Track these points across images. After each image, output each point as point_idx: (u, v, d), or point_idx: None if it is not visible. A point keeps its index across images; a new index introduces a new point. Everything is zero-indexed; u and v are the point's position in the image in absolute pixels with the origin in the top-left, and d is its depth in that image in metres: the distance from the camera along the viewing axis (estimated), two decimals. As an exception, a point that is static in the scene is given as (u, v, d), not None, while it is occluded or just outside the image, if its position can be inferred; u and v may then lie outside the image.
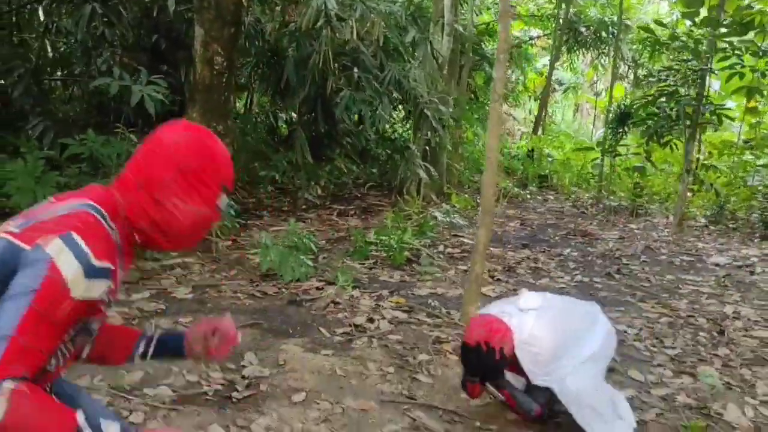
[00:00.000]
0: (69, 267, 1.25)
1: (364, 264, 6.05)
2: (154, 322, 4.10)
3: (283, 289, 5.12)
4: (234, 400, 3.23)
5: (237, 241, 6.37)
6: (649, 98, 8.60)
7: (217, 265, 5.57)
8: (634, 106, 9.20)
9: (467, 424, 3.21)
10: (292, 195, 8.67)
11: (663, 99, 8.46)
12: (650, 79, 8.72)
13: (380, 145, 10.13)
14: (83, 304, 1.30)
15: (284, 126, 9.83)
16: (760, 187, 9.51)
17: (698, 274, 6.51)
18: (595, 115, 20.05)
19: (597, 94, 21.12)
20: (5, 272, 1.26)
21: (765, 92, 8.68)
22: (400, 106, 9.63)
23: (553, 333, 3.02)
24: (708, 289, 5.91)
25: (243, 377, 3.48)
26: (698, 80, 8.12)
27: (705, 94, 8.28)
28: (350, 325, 4.43)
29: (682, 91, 8.35)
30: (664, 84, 8.45)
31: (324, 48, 6.96)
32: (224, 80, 6.25)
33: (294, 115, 9.04)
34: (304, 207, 8.29)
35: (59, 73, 8.02)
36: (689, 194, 9.49)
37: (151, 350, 1.56)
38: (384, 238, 6.47)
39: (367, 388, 3.49)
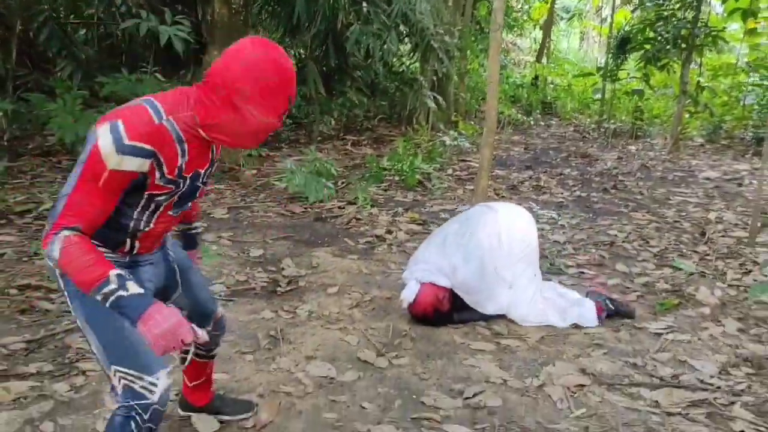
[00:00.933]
0: (105, 144, 1.57)
1: (379, 187, 6.59)
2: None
3: (309, 209, 5.69)
4: (278, 293, 3.84)
5: (261, 170, 6.92)
6: (647, 23, 8.89)
7: (246, 191, 6.13)
8: (633, 31, 9.49)
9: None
10: (307, 128, 9.15)
11: (660, 23, 8.76)
12: (647, 3, 8.97)
13: (389, 78, 10.51)
14: (122, 175, 1.60)
15: (294, 63, 10.19)
16: (755, 106, 9.88)
17: (689, 187, 7.02)
18: (600, 42, 20.12)
19: (602, 21, 21.12)
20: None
21: (759, 14, 8.94)
22: (406, 39, 9.97)
23: (466, 263, 3.42)
24: (695, 199, 6.44)
25: (284, 276, 4.09)
26: (694, 3, 8.40)
27: (702, 16, 8.57)
28: (371, 236, 5.01)
29: (679, 14, 8.64)
30: (661, 8, 8.73)
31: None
32: (242, 18, 6.64)
33: (302, 52, 9.39)
34: (319, 138, 8.78)
35: (77, 17, 8.35)
36: (687, 115, 9.87)
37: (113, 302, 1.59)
38: (396, 163, 7.00)
39: (390, 282, 4.08)
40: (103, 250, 1.73)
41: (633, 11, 10.05)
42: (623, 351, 3.23)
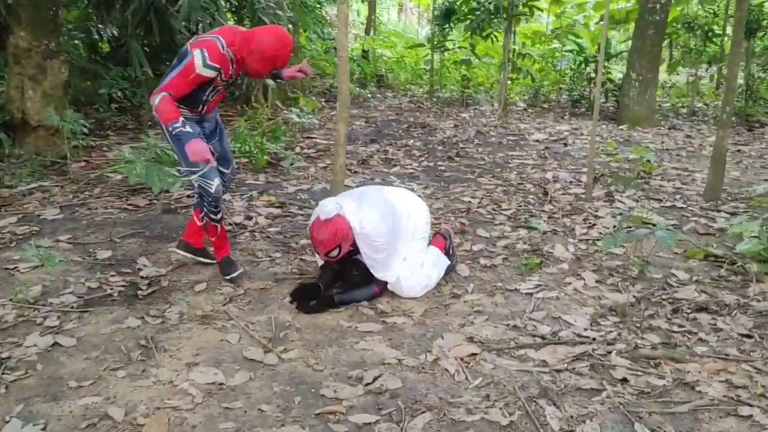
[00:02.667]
0: (197, 60, 3.09)
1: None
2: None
3: (155, 201, 5.25)
4: (140, 297, 3.49)
5: (90, 162, 6.28)
6: (470, -8, 9.28)
7: (77, 186, 5.52)
8: (457, 3, 9.84)
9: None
10: (134, 112, 8.46)
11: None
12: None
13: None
14: (200, 78, 3.14)
15: (106, 43, 9.32)
16: (567, 71, 10.73)
17: (522, 150, 7.48)
18: (419, 14, 20.73)
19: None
20: (182, 55, 3.19)
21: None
22: (229, 14, 9.52)
23: (381, 221, 3.43)
24: (531, 161, 6.87)
25: (142, 278, 3.72)
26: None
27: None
28: (230, 225, 4.73)
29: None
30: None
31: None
32: (49, -7, 5.92)
33: (115, 32, 8.62)
34: (150, 123, 8.15)
35: None
36: (509, 82, 10.48)
37: (175, 132, 3.25)
38: (241, 144, 6.68)
39: (261, 272, 3.88)
40: (186, 109, 3.30)
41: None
42: (502, 315, 3.35)
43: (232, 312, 3.33)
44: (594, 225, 4.76)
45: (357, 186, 5.76)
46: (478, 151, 7.38)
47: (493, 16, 8.99)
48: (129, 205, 5.13)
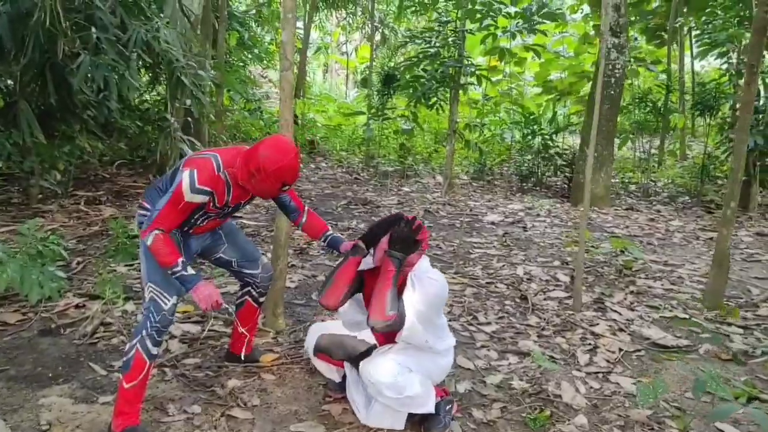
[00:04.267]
0: (185, 185, 2.65)
1: (132, 266, 5.04)
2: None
3: (31, 314, 3.99)
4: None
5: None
6: (414, 60, 8.55)
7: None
8: (399, 69, 9.11)
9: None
10: (22, 183, 7.10)
11: (426, 61, 8.46)
12: (414, 40, 8.62)
13: (127, 116, 8.79)
14: (192, 205, 2.70)
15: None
16: (513, 144, 10.14)
17: (480, 235, 6.63)
18: (347, 76, 20.16)
19: (345, 54, 21.24)
20: (173, 178, 2.79)
21: (513, 53, 9.18)
22: (143, 71, 8.39)
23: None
24: (494, 251, 6.01)
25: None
26: (459, 42, 8.24)
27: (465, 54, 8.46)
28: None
29: (443, 52, 8.42)
30: (426, 45, 8.43)
31: (49, 1, 5.58)
32: None
33: (11, 84, 7.34)
34: (40, 196, 6.82)
35: None
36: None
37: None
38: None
39: (179, 443, 2.73)
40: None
41: (399, 47, 9.68)
42: None
43: None
44: (596, 348, 3.87)
45: (295, 286, 4.70)
46: (432, 236, 6.47)
47: (439, 85, 8.28)
48: (-7, 322, 3.84)
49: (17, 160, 6.74)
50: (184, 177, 2.64)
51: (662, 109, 8.94)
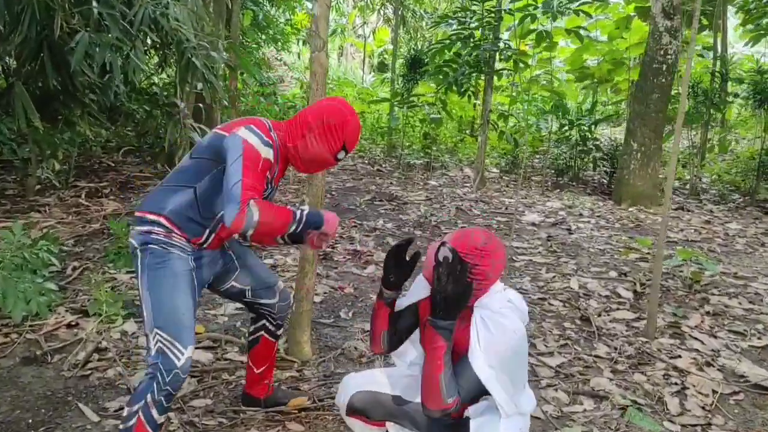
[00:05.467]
0: (252, 139, 2.12)
1: (134, 273, 4.44)
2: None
3: (14, 335, 3.40)
4: None
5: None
6: (446, 42, 7.84)
7: None
8: (429, 52, 8.42)
9: None
10: (19, 173, 6.52)
11: (459, 44, 7.76)
12: (447, 20, 7.89)
13: (135, 100, 8.17)
14: (269, 162, 2.16)
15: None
16: (544, 133, 9.44)
17: (521, 238, 5.98)
18: (364, 60, 19.45)
19: (362, 37, 20.49)
20: (215, 150, 2.18)
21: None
22: (152, 51, 7.75)
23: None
24: (541, 258, 5.36)
25: None
26: (495, 22, 7.54)
27: (500, 37, 7.77)
28: (131, 391, 2.94)
29: (478, 34, 7.72)
30: (460, 27, 7.72)
31: (45, -29, 4.95)
32: None
33: (8, 62, 6.74)
34: (38, 188, 6.24)
35: None
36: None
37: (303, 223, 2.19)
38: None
39: None
40: (179, 236, 2.21)
41: (420, 30, 8.98)
42: None
43: None
44: (684, 389, 3.23)
45: (320, 300, 4.10)
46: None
47: (473, 70, 7.58)
48: (-33, 348, 3.25)
49: (12, 148, 6.17)
50: (245, 134, 2.12)
51: (715, 99, 8.20)
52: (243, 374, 3.13)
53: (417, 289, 2.26)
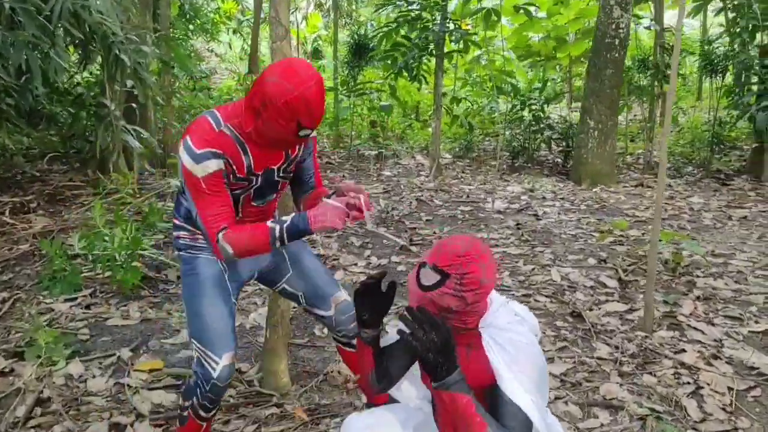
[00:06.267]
0: (186, 161, 1.89)
1: (75, 300, 3.93)
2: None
3: (-66, 394, 2.87)
4: None
5: None
6: (392, 26, 7.45)
7: None
8: (374, 37, 8.01)
9: None
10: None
11: (406, 26, 7.39)
12: (394, 3, 7.46)
13: (57, 102, 7.46)
14: (213, 176, 1.91)
15: None
16: (495, 115, 9.22)
17: (490, 228, 5.69)
18: (297, 47, 18.82)
19: (293, 23, 19.82)
20: None
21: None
22: (71, 48, 7.07)
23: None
24: (515, 249, 5.09)
25: None
26: (442, 2, 7.20)
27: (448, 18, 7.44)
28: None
29: (425, 15, 7.36)
30: (406, 8, 7.34)
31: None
32: None
33: None
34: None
35: None
36: (429, 130, 8.80)
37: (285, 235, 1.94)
38: (97, 244, 4.36)
39: None
40: (202, 244, 2.11)
41: (375, 11, 8.52)
42: None
43: None
44: (699, 389, 3.00)
45: (290, 317, 3.71)
46: (435, 233, 5.51)
47: (423, 54, 7.23)
48: None
49: None
50: (181, 154, 1.91)
51: (666, 72, 8.12)
52: (221, 418, 2.72)
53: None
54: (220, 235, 1.93)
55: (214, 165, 1.90)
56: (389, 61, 7.49)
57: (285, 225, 1.93)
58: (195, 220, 2.01)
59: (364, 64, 8.54)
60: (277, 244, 1.94)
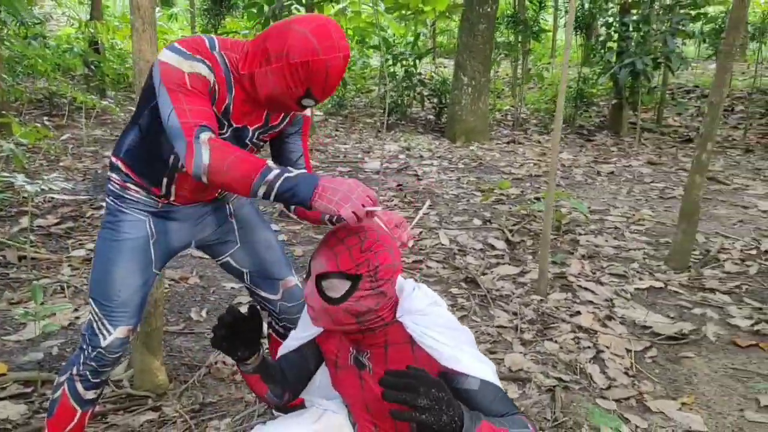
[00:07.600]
0: (168, 56, 1.54)
1: None
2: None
3: None
4: None
5: None
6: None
7: None
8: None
9: None
10: None
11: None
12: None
13: None
14: (199, 78, 1.56)
15: None
16: (366, 70, 8.92)
17: (369, 188, 5.45)
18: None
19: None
20: (149, 76, 1.64)
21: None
22: None
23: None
24: (399, 212, 4.90)
25: None
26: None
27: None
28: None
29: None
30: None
31: None
32: None
33: None
34: None
35: None
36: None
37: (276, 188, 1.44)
38: None
39: None
40: (137, 190, 1.78)
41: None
42: None
43: None
44: (599, 353, 2.97)
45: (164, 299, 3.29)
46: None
47: (291, 3, 6.73)
48: None
49: None
50: (161, 55, 1.56)
51: (534, 29, 8.19)
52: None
53: (304, 324, 1.71)
54: (203, 134, 1.49)
55: (203, 70, 1.57)
56: (254, 10, 6.92)
57: (286, 176, 1.43)
58: (165, 127, 1.54)
59: (225, 12, 7.85)
60: (261, 191, 1.45)
